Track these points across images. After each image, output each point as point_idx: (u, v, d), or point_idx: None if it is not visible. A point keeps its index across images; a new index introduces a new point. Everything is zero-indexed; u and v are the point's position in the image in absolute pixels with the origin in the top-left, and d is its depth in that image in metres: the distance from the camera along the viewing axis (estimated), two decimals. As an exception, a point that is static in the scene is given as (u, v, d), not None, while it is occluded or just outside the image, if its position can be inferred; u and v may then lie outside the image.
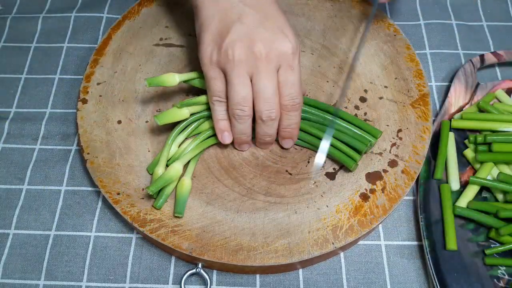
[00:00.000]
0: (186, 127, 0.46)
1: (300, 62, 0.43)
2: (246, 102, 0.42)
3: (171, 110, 0.45)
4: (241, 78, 0.41)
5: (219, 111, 0.44)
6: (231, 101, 0.42)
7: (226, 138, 0.45)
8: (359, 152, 0.45)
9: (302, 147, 0.47)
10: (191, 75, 0.47)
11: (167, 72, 0.52)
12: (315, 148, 0.46)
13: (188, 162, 0.45)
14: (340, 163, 0.46)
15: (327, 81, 0.51)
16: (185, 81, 0.47)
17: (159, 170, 0.44)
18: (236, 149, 0.47)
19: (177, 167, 0.43)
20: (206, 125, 0.47)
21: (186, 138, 0.47)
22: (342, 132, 0.46)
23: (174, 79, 0.45)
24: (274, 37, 0.41)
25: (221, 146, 0.48)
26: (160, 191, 0.43)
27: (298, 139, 0.47)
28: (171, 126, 0.46)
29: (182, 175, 0.45)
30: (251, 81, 0.42)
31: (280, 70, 0.42)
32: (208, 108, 0.46)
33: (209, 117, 0.46)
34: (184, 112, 0.45)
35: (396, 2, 0.63)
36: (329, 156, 0.46)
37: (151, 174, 0.46)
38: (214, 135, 0.46)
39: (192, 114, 0.46)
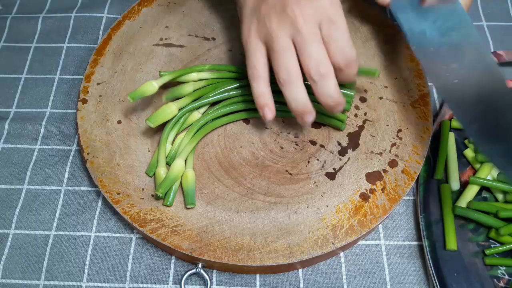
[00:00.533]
0: (175, 123, 0.47)
1: (342, 14, 0.40)
2: (291, 65, 0.40)
3: (160, 110, 0.45)
4: (282, 42, 0.40)
5: (257, 86, 0.42)
6: (276, 68, 0.40)
7: (267, 114, 0.42)
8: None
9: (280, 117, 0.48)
10: (169, 76, 0.47)
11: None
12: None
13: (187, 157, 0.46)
14: (340, 164, 0.46)
15: (327, 81, 0.51)
16: (167, 83, 0.47)
17: (161, 170, 0.44)
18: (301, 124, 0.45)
19: (179, 164, 0.44)
20: (194, 116, 0.47)
21: (177, 134, 0.47)
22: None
23: (153, 87, 0.46)
24: None
25: (221, 146, 0.48)
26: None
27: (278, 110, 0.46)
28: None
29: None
30: (294, 45, 0.40)
31: (322, 27, 0.40)
32: (194, 100, 0.47)
33: (196, 108, 0.47)
34: (172, 109, 0.46)
35: None
36: (318, 122, 0.47)
37: (151, 176, 0.46)
38: (206, 124, 0.47)
39: (180, 109, 0.47)
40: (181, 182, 0.45)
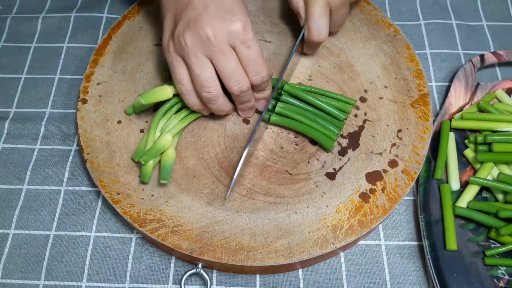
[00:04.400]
0: (169, 109, 0.47)
1: (255, 38, 0.43)
2: (210, 83, 0.42)
3: (155, 90, 0.45)
4: (199, 61, 0.42)
5: (188, 99, 0.45)
6: (196, 86, 0.43)
7: (206, 113, 0.47)
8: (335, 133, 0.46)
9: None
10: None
11: (166, 72, 0.52)
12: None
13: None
14: (340, 164, 0.46)
15: (327, 81, 0.51)
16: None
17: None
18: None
19: (168, 137, 0.44)
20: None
21: (166, 122, 0.47)
22: (318, 114, 0.47)
23: (168, 92, 0.46)
24: (221, 18, 0.41)
25: (221, 146, 0.48)
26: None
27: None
28: None
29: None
30: (212, 63, 0.42)
31: (236, 48, 0.42)
32: None
33: None
34: (167, 92, 0.45)
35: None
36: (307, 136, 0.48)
37: (136, 162, 0.46)
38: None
39: (174, 95, 0.47)
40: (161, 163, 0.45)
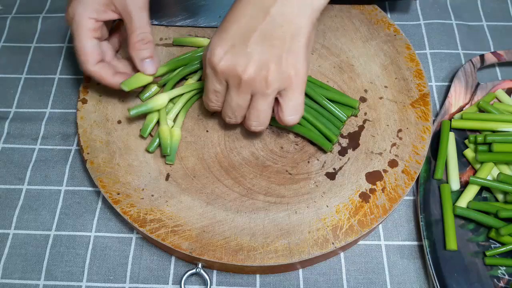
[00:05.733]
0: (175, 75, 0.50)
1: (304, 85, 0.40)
2: (238, 113, 0.42)
3: (136, 75, 0.46)
4: (244, 96, 0.40)
5: (212, 105, 0.44)
6: (225, 107, 0.42)
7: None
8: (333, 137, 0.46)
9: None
10: (163, 68, 0.49)
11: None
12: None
13: (177, 116, 0.48)
14: (340, 164, 0.46)
15: (327, 81, 0.51)
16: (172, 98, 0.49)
17: (164, 126, 0.46)
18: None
19: (162, 97, 0.44)
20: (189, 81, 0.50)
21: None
22: (316, 116, 0.47)
23: (163, 100, 0.47)
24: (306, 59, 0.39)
25: (221, 146, 0.48)
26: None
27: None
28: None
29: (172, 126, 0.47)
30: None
31: (281, 91, 0.40)
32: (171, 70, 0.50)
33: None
34: (147, 77, 0.46)
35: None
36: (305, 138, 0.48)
37: (145, 138, 0.47)
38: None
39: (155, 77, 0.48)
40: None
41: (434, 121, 0.51)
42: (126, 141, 0.48)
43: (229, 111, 0.42)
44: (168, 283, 0.45)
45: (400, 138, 0.48)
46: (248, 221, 0.43)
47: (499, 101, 0.52)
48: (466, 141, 0.50)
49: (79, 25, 0.44)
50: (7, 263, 0.46)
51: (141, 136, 0.48)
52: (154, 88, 0.49)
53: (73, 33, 0.44)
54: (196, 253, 0.41)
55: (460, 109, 0.52)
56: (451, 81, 0.56)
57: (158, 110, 0.47)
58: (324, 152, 0.47)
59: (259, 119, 0.42)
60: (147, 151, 0.46)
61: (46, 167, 0.51)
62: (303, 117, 0.47)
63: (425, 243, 0.44)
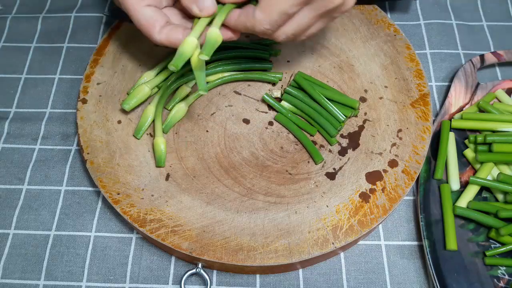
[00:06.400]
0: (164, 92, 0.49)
1: None
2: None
3: (134, 94, 0.48)
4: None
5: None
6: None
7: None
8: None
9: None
10: (157, 79, 0.50)
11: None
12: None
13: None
14: (340, 164, 0.46)
15: (327, 81, 0.51)
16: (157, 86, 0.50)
17: (159, 140, 0.46)
18: None
19: (190, 39, 0.39)
20: (183, 88, 0.50)
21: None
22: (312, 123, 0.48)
23: (145, 90, 0.48)
24: None
25: (221, 146, 0.48)
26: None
27: None
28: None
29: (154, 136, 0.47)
30: None
31: None
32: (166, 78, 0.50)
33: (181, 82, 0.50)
34: (145, 91, 0.48)
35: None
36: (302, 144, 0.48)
37: (138, 139, 0.48)
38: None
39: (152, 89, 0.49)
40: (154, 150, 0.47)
41: (434, 121, 0.51)
42: (126, 141, 0.48)
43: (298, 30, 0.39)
44: (168, 283, 0.45)
45: (400, 138, 0.48)
46: (248, 221, 0.43)
47: (499, 101, 0.52)
48: (466, 141, 0.50)
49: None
50: (7, 263, 0.46)
51: (142, 135, 0.48)
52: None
53: (124, 9, 0.41)
54: (196, 253, 0.41)
55: (460, 109, 0.52)
56: (451, 81, 0.56)
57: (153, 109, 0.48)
58: (325, 150, 0.47)
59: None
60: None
61: (46, 167, 0.51)
62: (303, 117, 0.48)
63: (425, 243, 0.44)
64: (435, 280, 0.42)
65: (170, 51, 0.53)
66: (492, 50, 0.58)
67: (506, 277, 0.43)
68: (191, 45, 0.38)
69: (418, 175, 0.47)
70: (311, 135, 0.48)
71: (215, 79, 0.51)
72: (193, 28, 0.39)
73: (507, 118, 0.49)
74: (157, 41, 0.40)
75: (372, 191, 0.45)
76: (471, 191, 0.46)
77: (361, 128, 0.48)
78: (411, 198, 0.49)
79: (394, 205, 0.44)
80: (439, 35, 0.60)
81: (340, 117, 0.47)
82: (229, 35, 0.41)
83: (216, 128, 0.49)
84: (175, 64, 0.38)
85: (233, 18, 0.40)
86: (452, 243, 0.43)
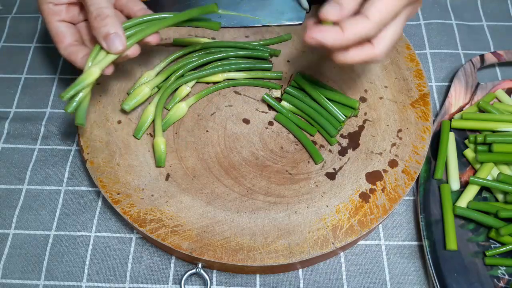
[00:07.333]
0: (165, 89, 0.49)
1: None
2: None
3: (133, 95, 0.48)
4: None
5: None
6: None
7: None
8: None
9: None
10: (158, 79, 0.50)
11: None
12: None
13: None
14: (340, 164, 0.46)
15: (327, 81, 0.51)
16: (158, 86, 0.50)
17: (159, 140, 0.46)
18: None
19: (93, 70, 0.40)
20: (183, 89, 0.50)
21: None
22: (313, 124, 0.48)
23: (145, 91, 0.48)
24: None
25: (221, 146, 0.48)
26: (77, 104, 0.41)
27: None
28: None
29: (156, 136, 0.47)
30: None
31: None
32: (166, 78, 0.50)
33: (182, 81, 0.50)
34: (145, 91, 0.48)
35: None
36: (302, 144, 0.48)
37: (138, 139, 0.48)
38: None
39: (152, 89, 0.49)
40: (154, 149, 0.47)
41: (434, 121, 0.51)
42: (126, 141, 0.48)
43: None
44: (168, 283, 0.45)
45: (400, 138, 0.48)
46: (248, 221, 0.43)
47: (499, 101, 0.52)
48: (466, 141, 0.50)
49: (41, 11, 0.44)
50: (7, 263, 0.46)
51: (142, 135, 0.48)
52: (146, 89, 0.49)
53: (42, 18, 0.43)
54: (196, 253, 0.41)
55: (460, 109, 0.52)
56: (451, 81, 0.55)
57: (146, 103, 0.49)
58: (325, 150, 0.47)
59: None
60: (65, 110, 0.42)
61: (46, 167, 0.51)
62: (303, 117, 0.48)
63: (425, 243, 0.44)
64: (435, 280, 0.42)
65: (170, 51, 0.53)
66: (492, 50, 0.58)
67: (506, 277, 0.43)
68: (92, 76, 0.40)
69: (418, 175, 0.47)
70: (311, 135, 0.48)
71: (216, 80, 0.51)
72: (100, 60, 0.41)
73: (507, 118, 0.49)
74: (61, 55, 0.43)
75: (372, 191, 0.45)
76: (471, 191, 0.46)
77: (361, 128, 0.48)
78: (411, 198, 0.49)
79: (394, 205, 0.44)
80: (439, 35, 0.60)
81: (340, 117, 0.47)
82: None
83: (216, 128, 0.49)
84: (64, 94, 0.40)
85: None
86: (452, 243, 0.43)
